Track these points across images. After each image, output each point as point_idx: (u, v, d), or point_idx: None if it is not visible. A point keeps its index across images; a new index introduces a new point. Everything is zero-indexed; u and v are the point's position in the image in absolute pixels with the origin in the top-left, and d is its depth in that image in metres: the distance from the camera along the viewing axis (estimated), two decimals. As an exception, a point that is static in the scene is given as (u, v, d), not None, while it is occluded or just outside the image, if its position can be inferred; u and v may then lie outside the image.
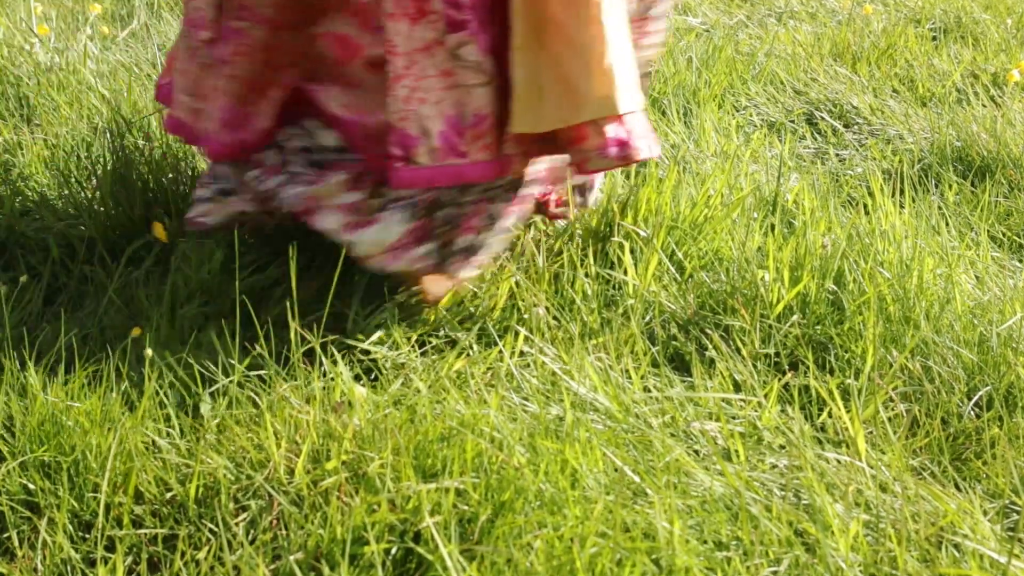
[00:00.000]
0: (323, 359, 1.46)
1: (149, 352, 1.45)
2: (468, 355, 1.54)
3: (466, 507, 1.20)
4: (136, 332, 1.52)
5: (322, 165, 1.69)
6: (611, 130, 1.53)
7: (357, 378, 1.52)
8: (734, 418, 1.40)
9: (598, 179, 1.95)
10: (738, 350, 1.54)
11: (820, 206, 1.89)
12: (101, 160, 2.09)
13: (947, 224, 1.90)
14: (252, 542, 1.21)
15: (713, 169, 2.06)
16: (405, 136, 1.54)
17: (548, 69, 1.52)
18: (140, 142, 2.21)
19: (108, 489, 1.26)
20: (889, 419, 1.43)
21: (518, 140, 1.58)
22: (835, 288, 1.64)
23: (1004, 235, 1.95)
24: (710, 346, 1.55)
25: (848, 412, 1.38)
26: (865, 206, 1.96)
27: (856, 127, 2.51)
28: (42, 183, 2.09)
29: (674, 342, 1.59)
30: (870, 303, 1.58)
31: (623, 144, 1.54)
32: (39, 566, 1.20)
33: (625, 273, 1.72)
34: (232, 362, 1.47)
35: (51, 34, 2.88)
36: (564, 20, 1.49)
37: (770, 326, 1.59)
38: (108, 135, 2.18)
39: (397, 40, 1.52)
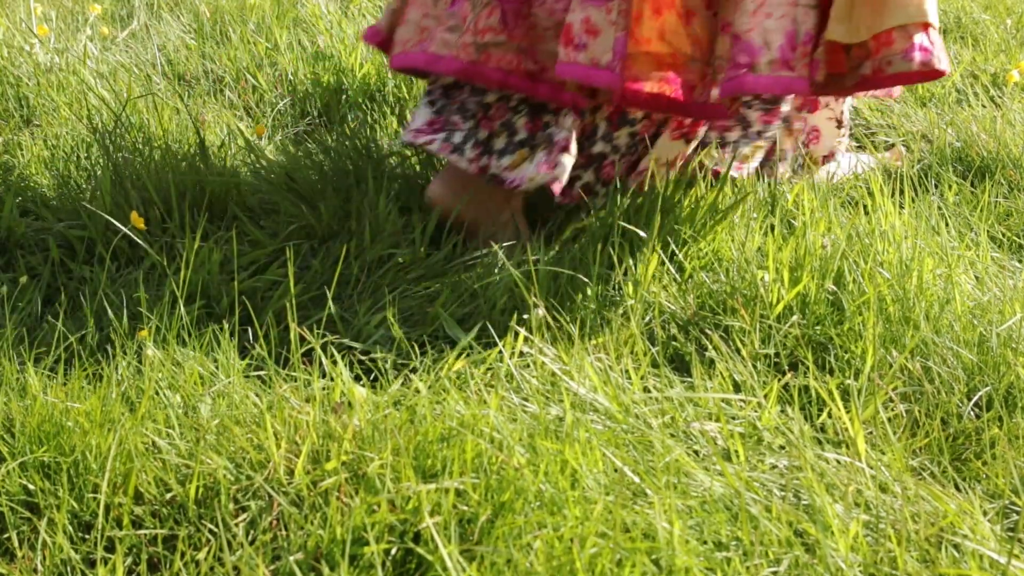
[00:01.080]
0: (323, 359, 1.46)
1: (149, 352, 1.45)
2: (468, 355, 1.54)
3: (466, 507, 1.20)
4: (143, 334, 1.53)
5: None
6: (918, 37, 1.65)
7: (357, 378, 1.52)
8: (734, 418, 1.40)
9: (841, 159, 2.15)
10: (738, 350, 1.54)
11: (820, 206, 1.89)
12: (101, 161, 2.09)
13: (947, 224, 1.90)
14: (252, 543, 1.21)
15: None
16: (750, 47, 1.68)
17: None
18: (140, 143, 2.21)
19: (108, 490, 1.26)
20: (889, 419, 1.43)
21: (828, 50, 1.71)
22: (835, 288, 1.64)
23: (1004, 235, 1.95)
24: (710, 346, 1.55)
25: (848, 412, 1.38)
26: (865, 206, 1.96)
27: (856, 127, 2.50)
28: (42, 183, 2.09)
29: (674, 342, 1.59)
30: (870, 303, 1.58)
31: (927, 51, 1.65)
32: (39, 567, 1.20)
33: (625, 273, 1.72)
34: (232, 362, 1.47)
35: (51, 35, 2.88)
36: None
37: (770, 326, 1.59)
38: (108, 136, 2.18)
39: None
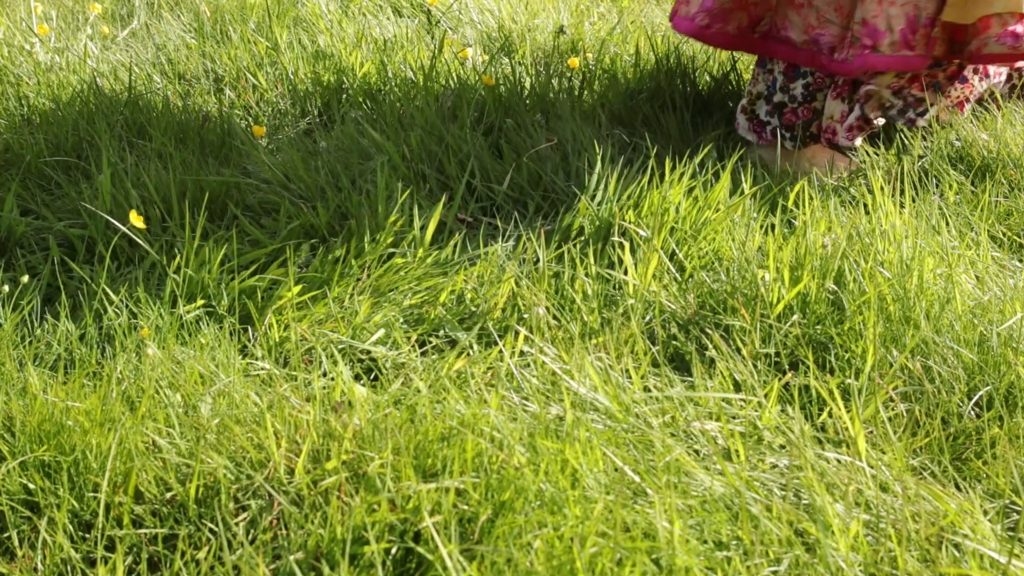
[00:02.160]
0: (323, 359, 1.46)
1: (149, 352, 1.45)
2: (468, 355, 1.54)
3: (466, 507, 1.20)
4: (144, 333, 1.53)
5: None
6: (1011, 24, 2.01)
7: (357, 378, 1.52)
8: (734, 418, 1.40)
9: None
10: (738, 350, 1.54)
11: (820, 206, 1.89)
12: (102, 159, 2.09)
13: (947, 224, 1.90)
14: (252, 542, 1.20)
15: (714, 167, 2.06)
16: (875, 30, 2.06)
17: None
18: (140, 142, 2.21)
19: (108, 489, 1.26)
20: (889, 419, 1.43)
21: (943, 28, 2.09)
22: (835, 288, 1.64)
23: (1004, 235, 1.94)
24: (710, 346, 1.55)
25: (848, 412, 1.38)
26: (865, 206, 1.96)
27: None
28: (42, 183, 2.09)
29: (674, 342, 1.59)
30: (870, 303, 1.58)
31: (1017, 36, 2.02)
32: (39, 566, 1.20)
33: (625, 273, 1.72)
34: (232, 362, 1.47)
35: (51, 34, 2.88)
36: None
37: (770, 326, 1.59)
38: (108, 135, 2.18)
39: None
